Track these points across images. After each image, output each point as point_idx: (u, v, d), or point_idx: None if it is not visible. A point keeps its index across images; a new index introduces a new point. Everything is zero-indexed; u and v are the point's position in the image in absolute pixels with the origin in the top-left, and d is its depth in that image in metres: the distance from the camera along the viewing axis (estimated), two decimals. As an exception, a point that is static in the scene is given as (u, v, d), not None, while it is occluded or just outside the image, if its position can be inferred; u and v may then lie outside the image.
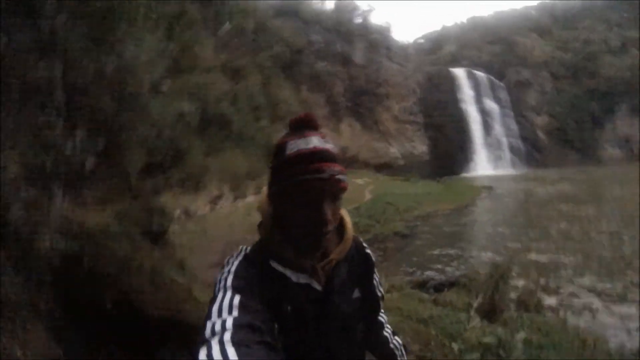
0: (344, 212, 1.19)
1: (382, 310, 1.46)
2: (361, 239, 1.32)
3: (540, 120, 46.23)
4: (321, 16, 34.56)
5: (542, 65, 47.96)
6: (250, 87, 23.18)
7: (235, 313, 0.90)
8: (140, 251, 4.25)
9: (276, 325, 0.95)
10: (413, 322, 5.03)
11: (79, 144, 3.27)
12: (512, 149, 43.07)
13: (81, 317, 3.03)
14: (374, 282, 1.34)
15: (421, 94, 39.40)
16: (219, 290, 0.98)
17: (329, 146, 1.06)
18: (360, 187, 23.87)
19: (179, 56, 15.32)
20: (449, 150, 37.93)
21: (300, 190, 1.01)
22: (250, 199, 15.49)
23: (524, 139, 44.37)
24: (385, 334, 1.45)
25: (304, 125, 1.08)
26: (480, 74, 43.70)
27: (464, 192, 25.96)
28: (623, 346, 4.99)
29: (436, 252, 12.20)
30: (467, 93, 41.08)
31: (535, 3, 62.22)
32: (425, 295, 7.24)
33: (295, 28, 30.36)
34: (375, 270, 1.36)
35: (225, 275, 1.02)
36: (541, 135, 45.73)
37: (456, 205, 21.39)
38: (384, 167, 33.02)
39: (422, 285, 8.44)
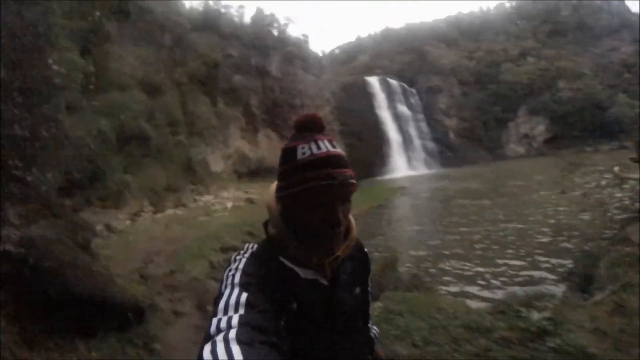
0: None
1: None
2: (359, 239, 1.34)
3: (450, 122, 50.44)
4: (238, 30, 35.35)
5: (450, 72, 52.42)
6: (168, 103, 24.22)
7: (241, 311, 0.91)
8: (73, 251, 4.87)
9: (283, 322, 0.97)
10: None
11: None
12: (426, 150, 46.36)
13: (32, 306, 3.82)
14: (369, 281, 1.39)
15: (336, 102, 41.37)
16: (225, 287, 0.99)
17: (339, 151, 1.08)
18: None
19: (96, 73, 16.38)
20: (365, 154, 39.72)
21: (314, 196, 1.02)
22: (170, 212, 16.40)
23: (436, 140, 48.07)
24: (369, 324, 1.49)
25: (311, 127, 1.09)
26: (393, 81, 46.86)
27: (379, 193, 27.33)
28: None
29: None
30: (381, 100, 43.82)
31: (443, 17, 67.24)
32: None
33: (212, 42, 31.14)
34: (370, 269, 1.41)
35: (232, 272, 1.03)
36: (452, 136, 49.90)
37: (370, 205, 22.62)
38: None
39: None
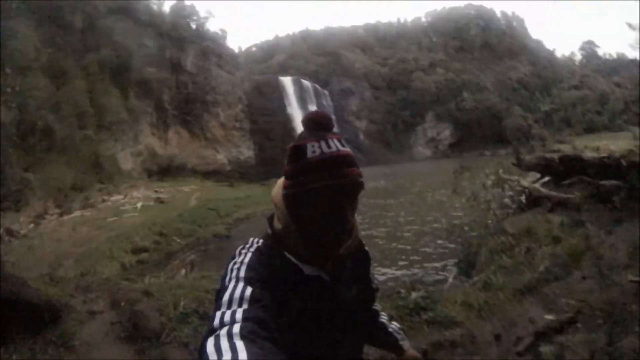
0: None
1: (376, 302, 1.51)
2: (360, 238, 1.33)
3: (361, 124, 53.56)
4: (156, 19, 34.61)
5: (363, 76, 55.66)
6: (75, 93, 23.12)
7: (245, 305, 0.92)
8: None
9: (285, 318, 0.99)
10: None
11: None
12: (336, 151, 48.45)
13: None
14: (370, 275, 1.39)
15: (249, 101, 41.84)
16: (229, 281, 1.00)
17: (349, 150, 1.06)
18: (187, 195, 24.42)
19: None
20: (274, 154, 39.95)
21: (323, 196, 1.01)
22: (77, 213, 15.76)
23: (347, 141, 49.08)
24: (382, 320, 1.53)
25: (320, 126, 1.07)
26: (306, 82, 48.55)
27: None
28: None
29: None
30: (292, 100, 45.18)
31: (361, 23, 70.79)
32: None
33: (127, 29, 29.91)
34: (371, 265, 1.42)
35: (237, 265, 1.04)
36: (362, 137, 53.01)
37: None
38: (212, 174, 33.85)
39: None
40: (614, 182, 8.28)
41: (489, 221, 10.11)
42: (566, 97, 56.47)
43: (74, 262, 9.67)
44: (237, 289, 0.97)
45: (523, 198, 10.59)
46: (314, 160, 1.01)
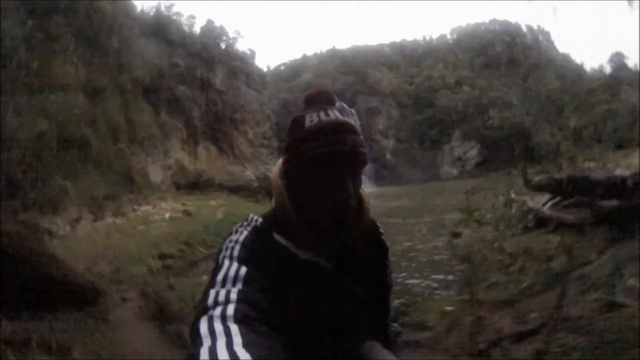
0: (362, 192, 1.14)
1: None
2: (378, 224, 1.30)
3: (388, 143, 54.17)
4: (187, 39, 35.56)
5: (389, 94, 56.48)
6: (110, 109, 24.51)
7: (239, 285, 0.89)
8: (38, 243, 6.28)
9: (278, 303, 0.93)
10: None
11: None
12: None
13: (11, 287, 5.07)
14: (386, 270, 1.33)
15: (276, 119, 42.98)
16: (224, 259, 0.97)
17: (349, 119, 1.05)
18: (213, 208, 25.07)
19: (38, 72, 16.64)
20: None
21: (322, 163, 0.98)
22: (109, 220, 16.80)
23: (373, 159, 50.33)
24: (387, 321, 1.43)
25: (320, 99, 1.07)
26: None
27: None
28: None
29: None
30: None
31: (387, 42, 71.62)
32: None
33: (159, 50, 30.93)
34: (389, 258, 1.34)
35: (232, 244, 1.01)
36: (389, 156, 53.52)
37: None
38: (240, 190, 34.30)
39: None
40: (614, 202, 8.65)
41: (494, 241, 10.62)
42: (596, 112, 56.00)
43: (107, 262, 10.62)
44: (232, 268, 0.94)
45: (530, 217, 11.04)
46: (312, 128, 1.00)
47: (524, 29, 67.82)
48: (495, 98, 56.54)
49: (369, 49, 67.17)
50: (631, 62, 72.32)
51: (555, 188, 11.54)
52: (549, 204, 11.58)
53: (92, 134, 19.72)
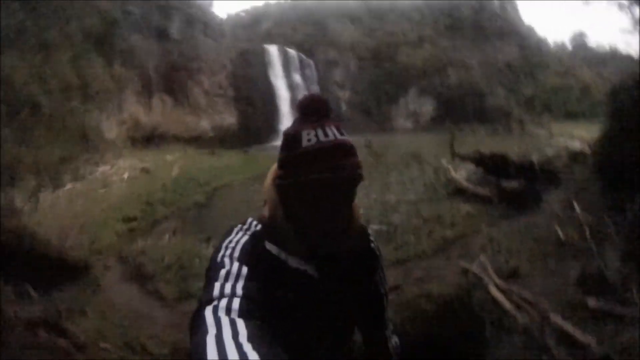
0: (354, 203, 1.19)
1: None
2: (369, 232, 1.35)
3: (344, 94, 55.21)
4: None
5: (349, 47, 57.07)
6: (60, 65, 23.74)
7: (242, 282, 0.95)
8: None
9: (270, 308, 0.97)
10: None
11: None
12: (316, 119, 50.03)
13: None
14: (377, 278, 1.36)
15: (233, 68, 42.59)
16: (223, 258, 1.03)
17: (347, 138, 1.07)
18: (169, 164, 25.58)
19: None
20: (257, 121, 42.07)
21: (318, 188, 1.01)
22: (69, 186, 16.93)
23: None
24: (386, 333, 1.47)
25: (316, 111, 1.08)
26: (291, 51, 49.45)
27: (262, 162, 27.36)
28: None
29: (222, 216, 15.00)
30: (277, 69, 46.04)
31: None
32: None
33: None
34: (381, 266, 1.39)
35: (232, 245, 1.07)
36: (344, 107, 54.83)
37: (252, 174, 23.91)
38: (195, 141, 34.47)
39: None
40: (513, 183, 10.58)
41: (416, 204, 12.32)
42: (550, 84, 58.68)
43: (77, 233, 11.61)
44: (234, 266, 1.00)
45: (450, 188, 12.88)
46: (310, 150, 1.02)
47: None
48: (455, 59, 58.17)
49: (333, 1, 65.99)
50: (592, 42, 76.20)
51: (479, 161, 13.13)
52: (465, 176, 13.33)
53: (42, 94, 19.10)
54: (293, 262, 1.10)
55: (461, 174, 14.19)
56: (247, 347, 0.77)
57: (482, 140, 32.41)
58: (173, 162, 26.48)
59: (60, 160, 17.77)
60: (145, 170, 22.50)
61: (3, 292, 5.49)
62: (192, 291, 7.25)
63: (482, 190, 11.29)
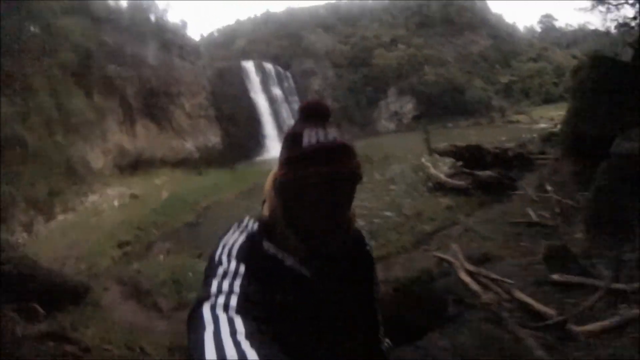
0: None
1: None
2: (363, 234, 1.36)
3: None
4: (114, 15, 34.21)
5: (324, 55, 57.87)
6: (41, 101, 23.82)
7: (240, 280, 0.97)
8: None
9: (268, 306, 0.98)
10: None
11: None
12: (299, 131, 50.32)
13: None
14: (372, 280, 1.38)
15: (212, 88, 43.03)
16: (221, 256, 1.05)
17: (347, 139, 1.10)
18: (158, 188, 26.31)
19: None
20: (241, 138, 42.48)
21: (318, 186, 1.03)
22: (60, 218, 17.24)
23: None
24: (379, 336, 1.46)
25: (317, 114, 1.10)
26: (268, 65, 50.04)
27: (248, 178, 28.79)
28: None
29: (213, 233, 15.88)
30: (255, 84, 46.58)
31: (322, 3, 72.20)
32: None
33: (85, 28, 29.53)
34: (374, 268, 1.41)
35: (230, 244, 1.09)
36: (326, 116, 55.44)
37: (240, 190, 25.23)
38: (182, 163, 35.04)
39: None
40: (487, 172, 11.00)
41: (398, 203, 12.75)
42: (525, 70, 60.16)
43: (74, 262, 12.10)
44: (232, 264, 1.01)
45: (430, 183, 13.28)
46: (310, 149, 1.04)
47: None
48: (430, 56, 59.34)
49: (304, 11, 67.57)
50: (560, 23, 78.03)
51: (456, 154, 13.54)
52: (446, 171, 13.73)
53: (27, 132, 19.22)
54: (290, 262, 1.11)
55: (442, 169, 14.53)
56: (245, 345, 0.78)
57: (466, 133, 33.17)
58: (161, 185, 27.08)
59: (50, 193, 17.94)
60: (134, 196, 22.89)
61: (10, 317, 5.69)
62: (188, 301, 7.61)
63: (460, 183, 11.64)
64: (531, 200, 8.47)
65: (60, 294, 7.64)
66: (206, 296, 0.92)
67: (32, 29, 25.55)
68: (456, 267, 5.84)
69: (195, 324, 0.85)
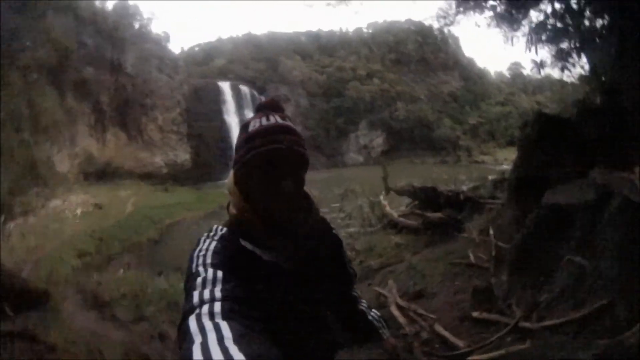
0: (309, 192, 1.29)
1: (356, 288, 1.56)
2: (327, 220, 1.43)
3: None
4: (98, 17, 33.86)
5: (300, 83, 58.77)
6: (11, 95, 23.24)
7: (220, 285, 0.96)
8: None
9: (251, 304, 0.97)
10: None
11: None
12: (268, 156, 50.45)
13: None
14: (344, 259, 1.45)
15: (186, 105, 42.91)
16: (197, 266, 1.04)
17: (289, 123, 1.15)
18: (123, 200, 25.75)
19: None
20: (209, 159, 42.39)
21: (261, 161, 1.08)
22: (20, 220, 16.66)
23: None
24: (361, 307, 1.53)
25: (268, 108, 1.18)
26: (244, 88, 50.16)
27: (214, 199, 27.79)
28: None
29: (175, 252, 14.38)
30: (230, 106, 46.63)
31: (304, 30, 73.16)
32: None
33: (66, 27, 29.03)
34: (344, 249, 1.46)
35: (203, 253, 1.08)
36: (296, 142, 55.67)
37: (204, 211, 25.02)
38: (149, 177, 34.72)
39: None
40: (437, 214, 11.48)
41: (352, 237, 12.95)
42: (492, 112, 62.56)
43: (33, 267, 11.58)
44: (209, 272, 1.00)
45: (384, 221, 13.73)
46: (254, 131, 1.11)
47: (436, 32, 72.49)
48: (403, 92, 61.14)
49: (285, 36, 68.26)
50: (528, 71, 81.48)
51: (412, 194, 14.05)
52: (402, 210, 14.20)
53: None
54: (267, 256, 1.13)
55: (399, 207, 14.98)
56: (234, 350, 0.78)
57: (431, 170, 34.04)
58: (127, 198, 26.61)
59: (10, 193, 17.25)
60: (98, 206, 22.47)
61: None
62: (146, 314, 7.88)
63: (411, 222, 12.00)
64: (474, 242, 8.96)
65: (21, 298, 7.68)
66: (190, 309, 0.92)
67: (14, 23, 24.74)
68: (390, 301, 6.31)
69: (183, 338, 0.85)
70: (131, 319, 8.08)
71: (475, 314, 5.30)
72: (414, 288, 7.02)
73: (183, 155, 41.26)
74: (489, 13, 9.61)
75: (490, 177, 15.10)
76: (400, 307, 5.96)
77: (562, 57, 8.55)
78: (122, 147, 34.26)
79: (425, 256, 9.56)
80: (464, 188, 15.44)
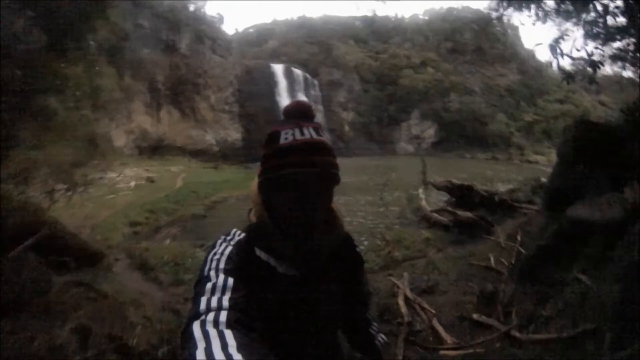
0: (335, 207, 1.26)
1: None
2: (352, 237, 1.39)
3: (347, 115, 55.95)
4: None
5: (353, 69, 58.26)
6: (75, 74, 24.68)
7: (229, 294, 0.97)
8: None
9: (259, 312, 1.01)
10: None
11: None
12: (320, 139, 50.61)
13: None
14: (361, 279, 1.44)
15: (239, 85, 43.63)
16: (209, 270, 1.05)
17: (324, 138, 1.10)
18: (174, 175, 26.62)
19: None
20: (259, 138, 41.84)
21: (291, 182, 1.05)
22: (79, 189, 15.86)
23: (331, 130, 51.85)
24: (371, 331, 1.52)
25: (298, 114, 1.13)
26: (297, 70, 50.37)
27: None
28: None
29: (218, 229, 16.34)
30: (282, 88, 46.84)
31: (359, 15, 71.76)
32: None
33: (123, 10, 27.99)
34: (364, 269, 1.46)
35: (217, 257, 1.08)
36: (347, 128, 55.56)
37: (249, 192, 25.70)
38: (200, 154, 35.62)
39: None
40: (468, 214, 11.50)
41: (386, 227, 13.21)
42: (550, 110, 58.93)
43: (89, 232, 12.85)
44: (220, 278, 1.01)
45: (418, 214, 13.89)
46: (286, 147, 1.06)
47: (495, 21, 69.53)
48: (457, 83, 59.41)
49: (340, 20, 67.94)
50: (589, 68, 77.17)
51: (449, 190, 14.13)
52: (439, 205, 14.30)
53: (57, 102, 19.99)
54: (282, 267, 1.13)
55: (437, 200, 15.10)
56: (237, 357, 0.79)
57: (480, 166, 33.12)
58: (177, 173, 27.51)
59: (72, 164, 18.28)
60: (150, 180, 23.48)
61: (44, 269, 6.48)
62: (184, 280, 8.69)
63: (442, 219, 12.08)
64: (500, 246, 9.06)
65: (81, 256, 8.60)
66: (195, 314, 0.93)
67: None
68: (400, 292, 6.57)
69: (187, 343, 0.87)
70: (170, 282, 8.91)
71: (475, 316, 5.57)
72: (427, 283, 7.28)
73: (234, 134, 41.99)
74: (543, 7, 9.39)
75: (540, 179, 14.87)
76: (406, 299, 6.31)
77: (619, 56, 8.28)
78: (175, 124, 35.46)
79: (448, 254, 9.70)
80: (501, 189, 15.41)
